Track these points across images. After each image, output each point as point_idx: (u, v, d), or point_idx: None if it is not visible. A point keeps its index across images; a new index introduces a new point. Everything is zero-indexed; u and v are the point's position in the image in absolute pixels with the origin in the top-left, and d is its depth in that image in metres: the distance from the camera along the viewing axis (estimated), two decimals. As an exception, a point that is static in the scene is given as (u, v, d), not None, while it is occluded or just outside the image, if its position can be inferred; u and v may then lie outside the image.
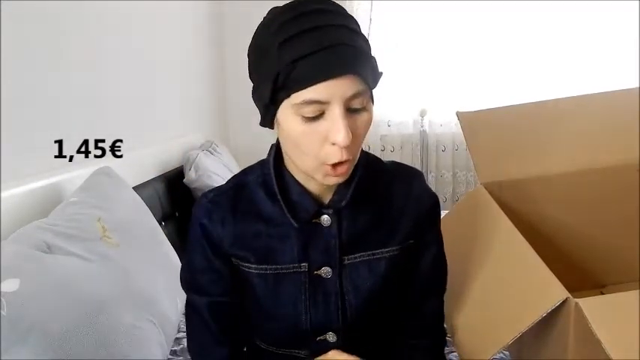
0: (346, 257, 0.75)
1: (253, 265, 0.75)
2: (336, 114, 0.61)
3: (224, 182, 0.81)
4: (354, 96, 0.62)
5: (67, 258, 0.95)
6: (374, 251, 0.76)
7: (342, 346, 0.77)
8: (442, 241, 0.84)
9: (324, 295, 0.76)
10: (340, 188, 0.73)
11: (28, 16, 1.18)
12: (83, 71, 1.42)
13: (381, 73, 0.67)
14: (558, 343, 0.79)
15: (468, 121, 1.28)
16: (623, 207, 1.26)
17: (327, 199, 0.74)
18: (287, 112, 0.64)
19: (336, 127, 0.61)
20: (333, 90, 0.60)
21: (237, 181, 0.79)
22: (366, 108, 0.65)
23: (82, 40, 1.41)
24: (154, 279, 1.14)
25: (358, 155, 0.70)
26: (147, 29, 1.85)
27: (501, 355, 1.06)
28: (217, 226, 0.75)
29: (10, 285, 0.81)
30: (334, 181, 0.68)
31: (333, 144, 0.63)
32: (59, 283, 0.88)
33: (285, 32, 0.61)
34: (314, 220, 0.74)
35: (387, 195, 0.78)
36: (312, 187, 0.73)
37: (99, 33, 1.50)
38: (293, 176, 0.74)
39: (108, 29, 1.56)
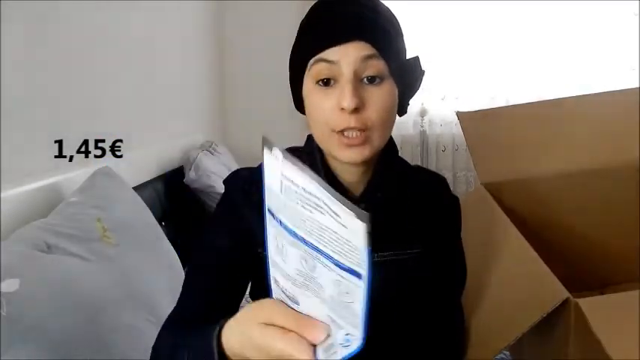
0: (375, 254, 0.73)
1: None
2: (344, 79, 0.64)
3: None
4: (365, 63, 0.64)
5: (67, 258, 0.95)
6: (402, 251, 0.76)
7: (366, 345, 0.76)
8: (462, 244, 0.84)
9: None
10: (371, 182, 0.73)
11: (28, 16, 1.18)
12: (83, 71, 1.42)
13: (417, 58, 0.71)
14: (558, 343, 0.79)
15: (468, 121, 1.28)
16: (623, 207, 1.26)
17: (358, 192, 0.74)
18: (308, 86, 0.68)
19: (343, 92, 0.63)
20: (341, 53, 0.63)
21: None
22: (382, 80, 0.65)
23: (82, 40, 1.41)
24: (154, 279, 1.14)
25: (382, 136, 0.68)
26: (147, 29, 1.85)
27: (502, 355, 1.06)
28: (254, 209, 0.70)
29: (10, 285, 0.81)
30: (349, 155, 0.66)
31: (342, 109, 0.63)
32: (59, 283, 0.88)
33: (310, 15, 0.68)
34: None
35: (414, 197, 0.78)
36: (343, 176, 0.73)
37: (99, 33, 1.50)
38: (330, 167, 0.73)
39: (108, 29, 1.56)
